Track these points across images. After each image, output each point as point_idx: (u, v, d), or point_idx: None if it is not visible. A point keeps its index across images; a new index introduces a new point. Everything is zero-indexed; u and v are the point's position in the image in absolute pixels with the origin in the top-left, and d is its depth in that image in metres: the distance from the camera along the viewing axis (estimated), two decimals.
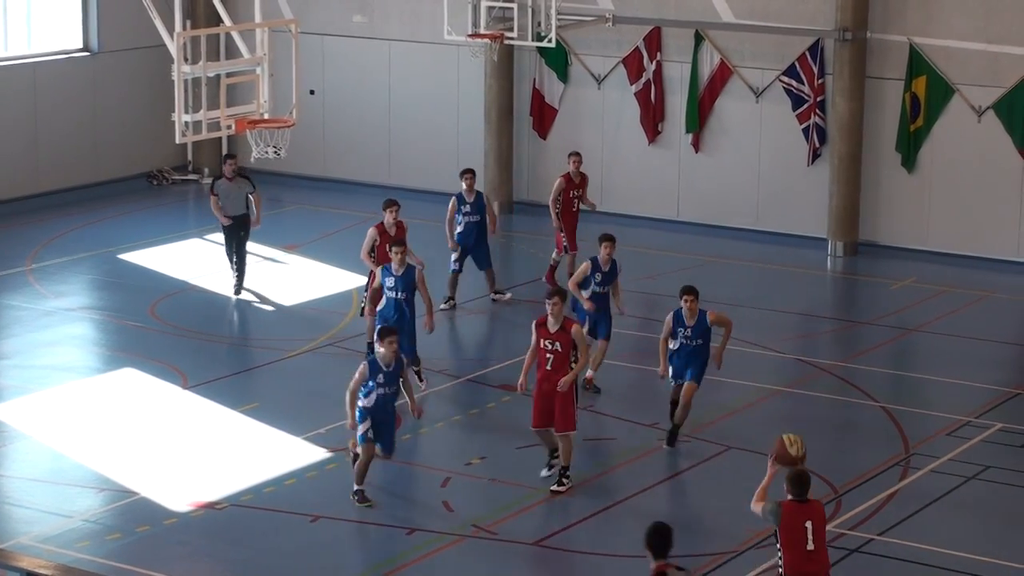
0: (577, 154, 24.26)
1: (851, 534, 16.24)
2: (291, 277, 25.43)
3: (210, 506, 16.87)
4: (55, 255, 26.39)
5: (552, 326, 17.10)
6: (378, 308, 19.62)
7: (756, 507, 13.32)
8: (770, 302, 24.35)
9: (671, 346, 18.24)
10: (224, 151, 31.89)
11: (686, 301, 18.08)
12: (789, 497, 13.05)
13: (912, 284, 25.40)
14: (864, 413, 19.84)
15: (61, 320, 23.12)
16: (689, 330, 18.12)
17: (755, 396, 20.26)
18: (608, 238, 20.13)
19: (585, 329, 19.31)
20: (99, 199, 30.05)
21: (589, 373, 19.90)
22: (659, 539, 11.46)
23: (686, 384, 18.19)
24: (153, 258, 26.23)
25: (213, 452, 18.41)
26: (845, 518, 16.60)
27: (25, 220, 28.55)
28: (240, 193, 23.81)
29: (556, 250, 24.49)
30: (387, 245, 20.45)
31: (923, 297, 24.69)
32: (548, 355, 17.10)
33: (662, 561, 11.39)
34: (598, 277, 20.00)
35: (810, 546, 13.04)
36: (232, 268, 24.08)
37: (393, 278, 19.50)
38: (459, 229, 23.41)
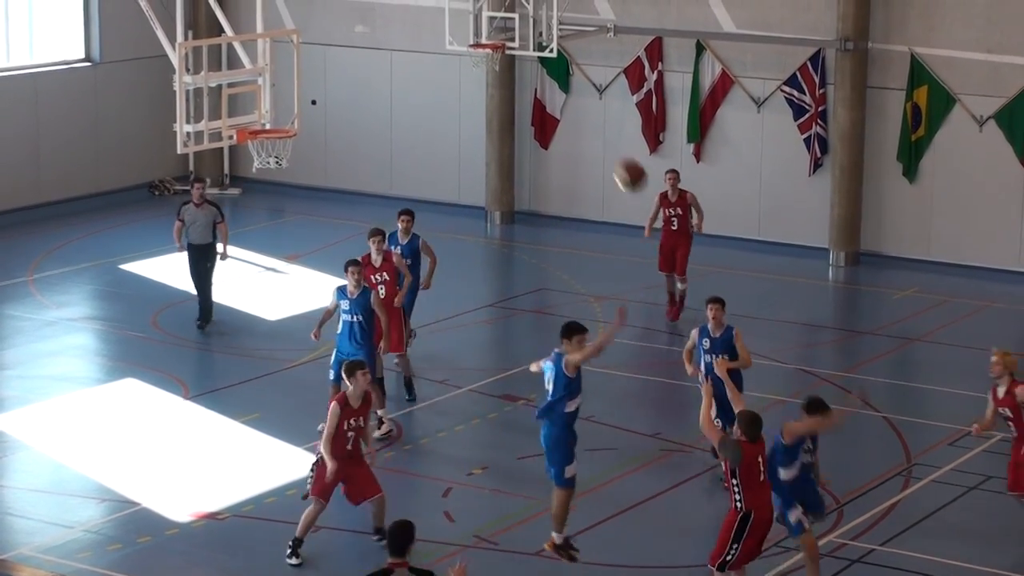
0: (673, 171, 23.37)
1: (853, 544, 16.22)
2: (293, 287, 25.42)
3: (211, 516, 16.86)
4: (56, 265, 26.38)
5: (355, 401, 15.46)
6: (337, 332, 18.42)
7: (711, 434, 14.55)
8: (771, 312, 24.34)
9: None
10: (225, 162, 32.03)
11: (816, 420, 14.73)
12: (744, 438, 14.02)
13: (914, 294, 25.38)
14: (866, 423, 19.83)
15: (62, 330, 23.11)
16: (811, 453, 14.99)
17: (757, 406, 20.18)
18: (715, 301, 17.35)
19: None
20: (100, 209, 30.06)
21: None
22: (392, 537, 11.75)
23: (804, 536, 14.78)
24: (154, 268, 26.21)
25: (214, 462, 18.40)
26: (847, 528, 16.58)
27: (26, 230, 28.54)
28: (207, 220, 22.67)
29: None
30: (370, 277, 19.28)
31: (925, 307, 24.67)
32: (350, 433, 15.45)
33: (395, 559, 11.68)
34: (706, 344, 17.24)
35: (761, 478, 14.04)
36: (197, 297, 22.98)
37: (348, 300, 18.20)
38: None
